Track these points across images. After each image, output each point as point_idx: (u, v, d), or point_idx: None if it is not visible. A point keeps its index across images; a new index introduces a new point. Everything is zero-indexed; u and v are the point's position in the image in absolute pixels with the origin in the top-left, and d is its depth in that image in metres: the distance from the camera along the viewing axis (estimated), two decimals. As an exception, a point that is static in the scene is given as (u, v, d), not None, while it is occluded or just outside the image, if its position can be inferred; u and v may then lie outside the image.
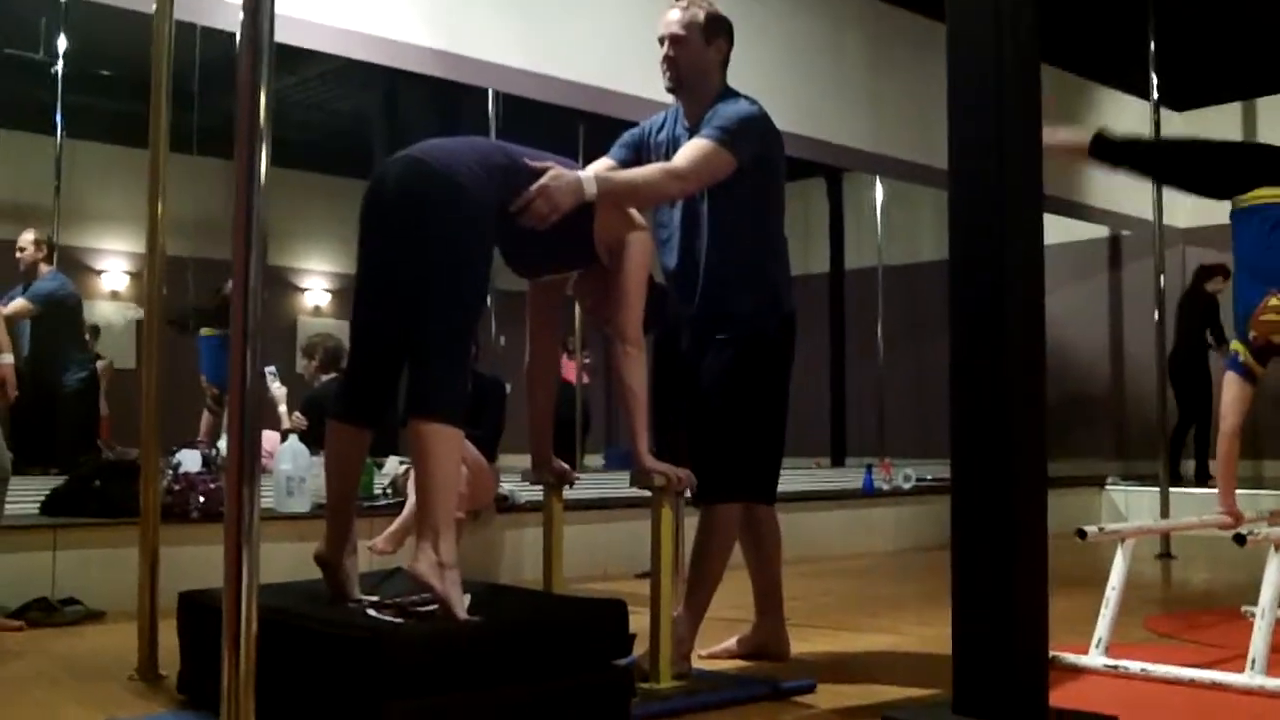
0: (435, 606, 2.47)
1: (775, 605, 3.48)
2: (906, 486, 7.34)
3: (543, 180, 2.74)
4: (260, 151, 1.78)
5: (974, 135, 2.37)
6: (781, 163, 3.34)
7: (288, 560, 3.96)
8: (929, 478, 7.42)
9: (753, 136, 3.16)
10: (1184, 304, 8.61)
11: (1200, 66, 8.83)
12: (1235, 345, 4.38)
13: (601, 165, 3.28)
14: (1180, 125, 9.58)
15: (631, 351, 2.87)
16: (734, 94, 3.26)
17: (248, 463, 1.72)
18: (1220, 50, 8.74)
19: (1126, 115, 8.83)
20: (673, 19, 3.25)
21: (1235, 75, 9.19)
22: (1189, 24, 7.97)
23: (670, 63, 3.26)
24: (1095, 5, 7.66)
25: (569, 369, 8.11)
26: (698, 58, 3.24)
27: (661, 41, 3.27)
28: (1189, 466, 8.91)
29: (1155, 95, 7.25)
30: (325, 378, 6.60)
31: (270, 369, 6.23)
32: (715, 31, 3.27)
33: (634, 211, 2.97)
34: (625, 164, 3.27)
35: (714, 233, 3.23)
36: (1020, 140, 2.36)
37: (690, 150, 3.08)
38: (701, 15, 3.25)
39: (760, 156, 3.18)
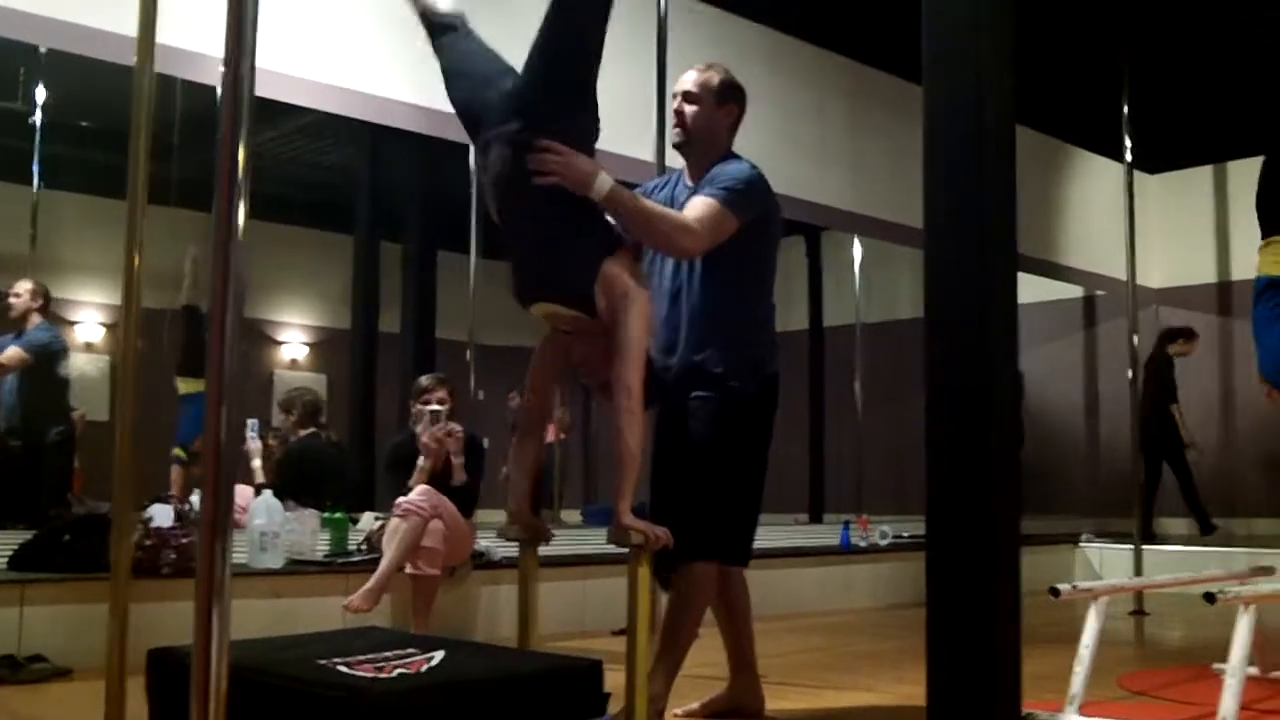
0: (410, 663, 2.44)
1: (749, 662, 3.47)
2: (883, 543, 7.34)
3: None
4: (238, 205, 1.78)
5: (949, 196, 2.40)
6: (778, 227, 3.40)
7: (261, 617, 3.92)
8: (906, 535, 7.42)
9: (755, 199, 3.21)
10: (1147, 365, 8.73)
11: (1173, 130, 8.97)
12: None
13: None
14: (1154, 188, 9.71)
15: (633, 408, 2.83)
16: (736, 157, 3.33)
17: (221, 517, 1.71)
18: (1192, 114, 8.89)
19: (1101, 178, 8.95)
20: (689, 78, 3.37)
21: (1207, 139, 9.34)
22: (1162, 88, 8.11)
23: (681, 119, 3.34)
24: (1070, 69, 7.79)
25: (550, 429, 8.11)
26: (709, 118, 3.33)
27: (675, 97, 3.38)
28: (1170, 524, 8.97)
29: (1129, 158, 7.35)
30: (303, 432, 6.58)
31: (252, 423, 6.20)
32: (728, 96, 3.37)
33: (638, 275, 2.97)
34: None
35: (705, 290, 3.26)
36: (995, 201, 2.39)
37: (700, 208, 3.11)
38: (717, 79, 3.35)
39: (760, 220, 3.23)
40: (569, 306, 2.89)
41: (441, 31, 3.07)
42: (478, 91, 2.96)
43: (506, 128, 2.85)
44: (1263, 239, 4.31)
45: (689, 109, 3.33)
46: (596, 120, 2.93)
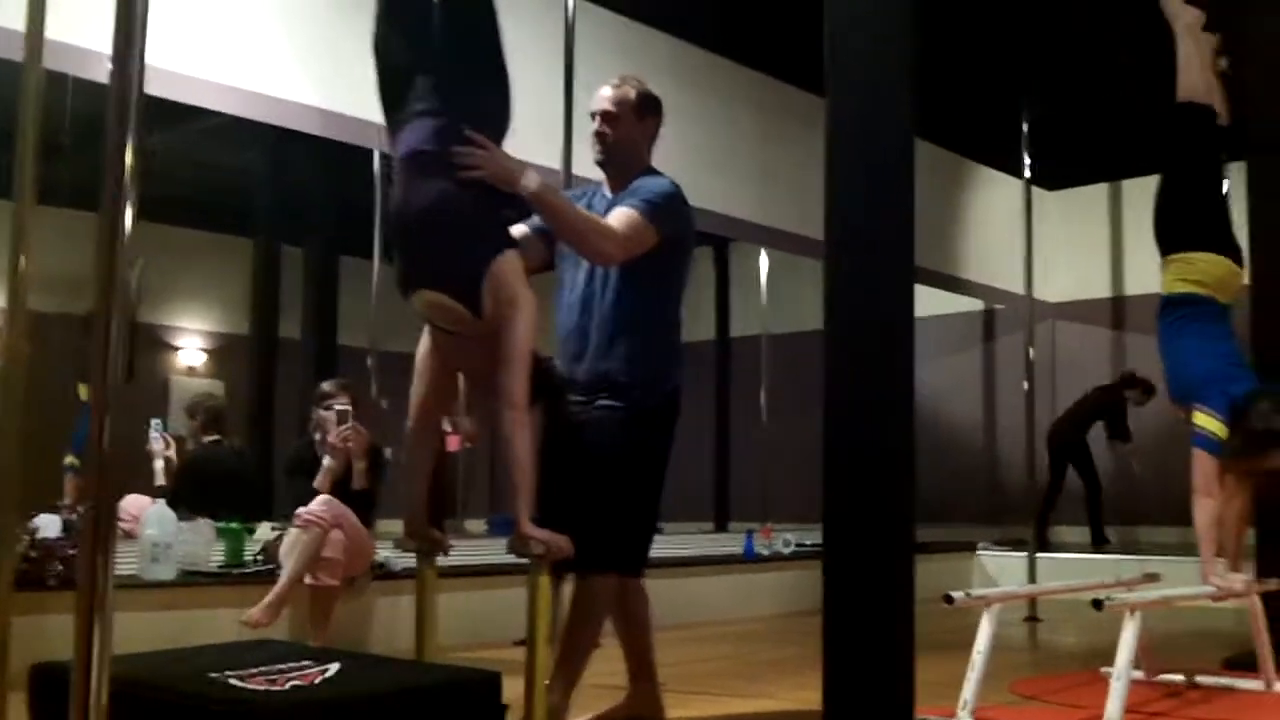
0: (304, 675, 2.40)
1: (649, 672, 3.46)
2: (787, 552, 7.40)
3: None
4: (125, 206, 1.74)
5: (849, 209, 2.43)
6: (692, 243, 3.40)
7: (153, 630, 3.82)
8: (809, 543, 7.49)
9: (675, 214, 3.23)
10: (1095, 392, 9.06)
11: (1071, 147, 9.19)
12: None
13: (518, 231, 3.24)
14: (1052, 204, 9.93)
15: (518, 416, 2.81)
16: (655, 171, 3.33)
17: (103, 526, 1.66)
18: (1090, 132, 9.11)
19: (1000, 193, 9.14)
20: (606, 95, 3.33)
21: (1103, 157, 9.59)
22: (1061, 106, 8.30)
23: (601, 138, 3.32)
24: (971, 84, 7.94)
25: (451, 440, 8.03)
26: (628, 134, 3.32)
27: (594, 116, 3.34)
28: (1066, 532, 9.20)
29: (1028, 174, 7.51)
30: (207, 439, 6.44)
31: (156, 423, 6.04)
32: (646, 110, 3.36)
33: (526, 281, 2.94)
34: (541, 232, 3.25)
35: (616, 300, 3.25)
36: (893, 214, 2.43)
37: (622, 218, 3.12)
38: (633, 93, 3.34)
39: (676, 235, 3.25)
40: (455, 299, 2.82)
41: None
42: (401, 60, 2.93)
43: (427, 104, 2.84)
44: (1161, 257, 4.44)
45: (608, 129, 3.31)
46: (510, 103, 2.92)
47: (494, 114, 2.91)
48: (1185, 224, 4.41)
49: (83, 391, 6.99)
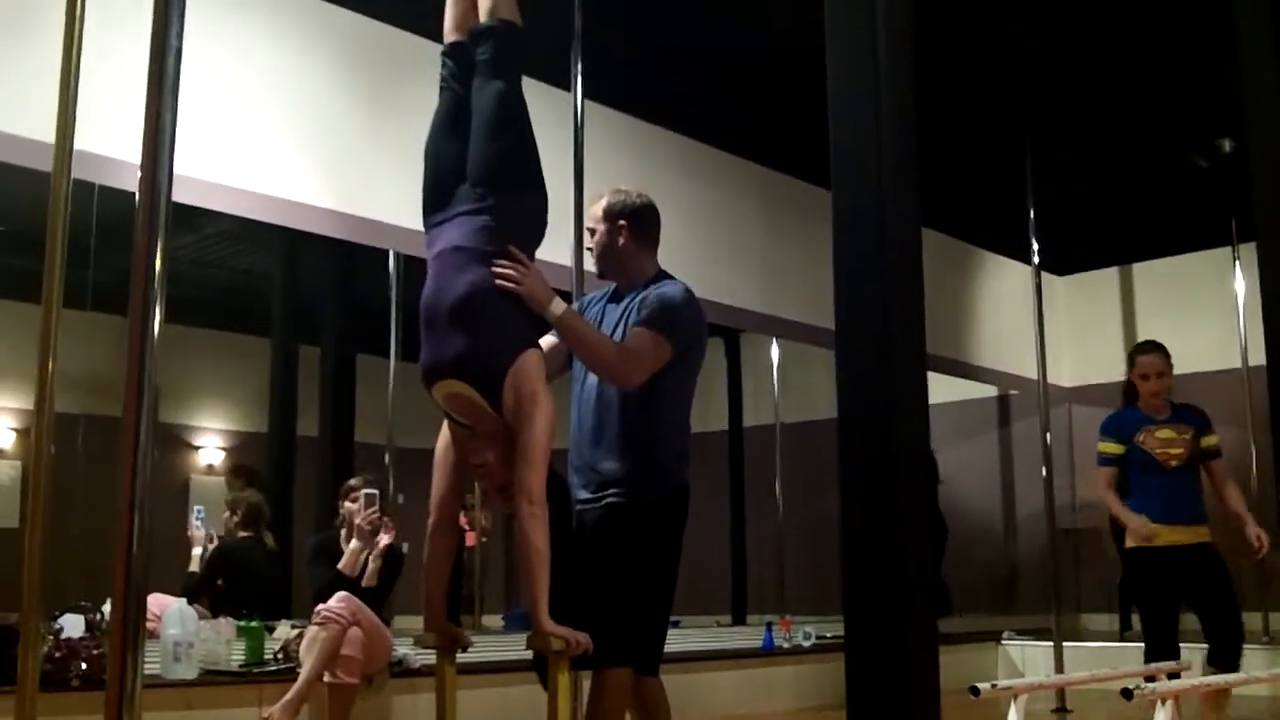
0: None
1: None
2: (806, 644, 7.32)
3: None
4: (154, 310, 1.78)
5: (858, 300, 2.47)
6: (703, 342, 3.44)
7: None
8: (829, 635, 7.42)
9: (688, 324, 3.28)
10: None
11: (1079, 233, 9.26)
12: None
13: (545, 341, 3.23)
14: (1061, 289, 9.99)
15: (536, 512, 2.85)
16: (665, 275, 3.38)
17: (131, 628, 1.68)
18: (1098, 218, 9.19)
19: (1010, 279, 9.20)
20: (597, 212, 3.40)
21: (1112, 242, 9.66)
22: (1067, 192, 8.39)
23: (592, 251, 3.40)
24: (976, 173, 8.04)
25: (468, 536, 8.03)
26: (610, 245, 3.38)
27: (591, 232, 3.41)
28: (1090, 620, 9.07)
29: (1036, 260, 7.56)
30: (242, 534, 6.49)
31: (198, 509, 6.14)
32: (619, 217, 3.38)
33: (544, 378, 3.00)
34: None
35: (625, 398, 3.27)
36: (904, 303, 2.46)
37: (638, 341, 3.17)
38: (604, 204, 3.39)
39: (688, 342, 3.29)
40: (476, 390, 2.89)
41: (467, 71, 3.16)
42: (449, 166, 3.10)
43: (469, 207, 3.00)
44: None
45: (600, 241, 3.38)
46: (545, 211, 3.13)
47: (533, 221, 3.08)
48: None
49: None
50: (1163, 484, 4.92)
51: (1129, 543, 4.96)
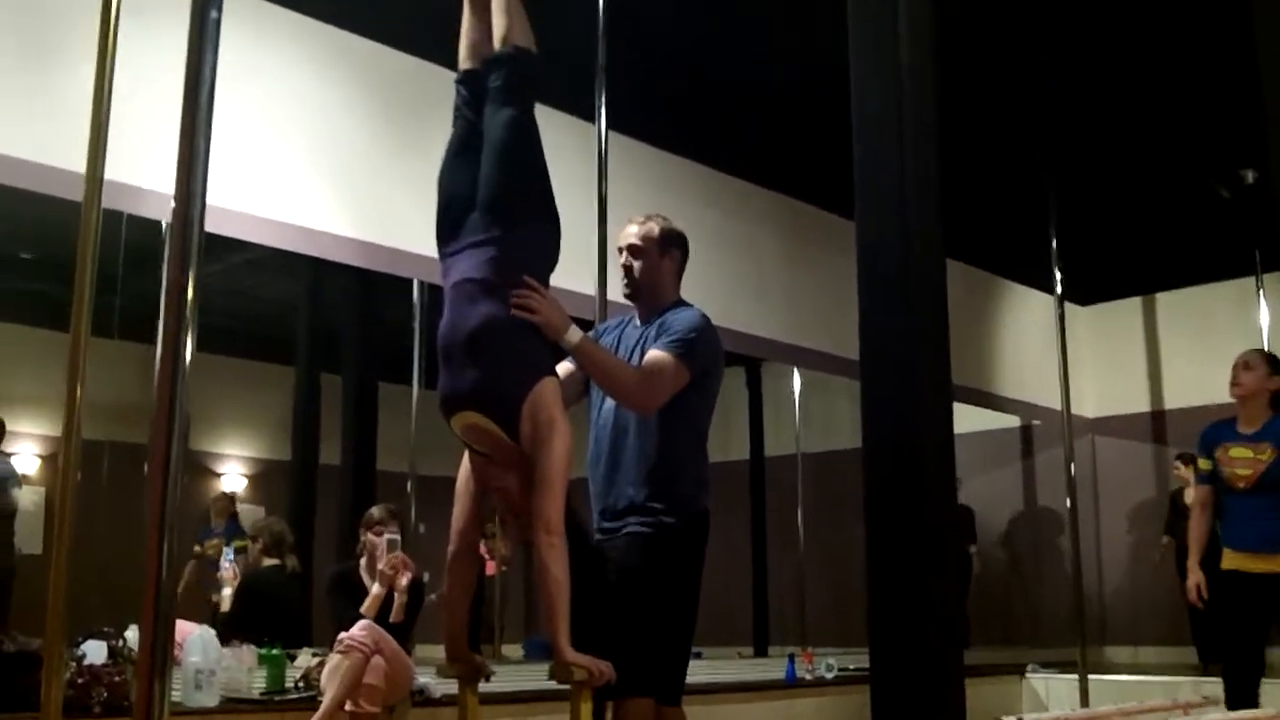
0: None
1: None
2: (829, 676, 7.26)
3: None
4: (186, 339, 1.80)
5: (883, 330, 2.47)
6: (721, 369, 3.45)
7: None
8: (852, 667, 7.37)
9: (705, 349, 3.29)
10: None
11: (1102, 262, 9.24)
12: None
13: (562, 369, 3.27)
14: (1085, 319, 9.95)
15: (555, 541, 2.84)
16: (684, 303, 3.41)
17: (159, 655, 1.69)
18: (1121, 247, 9.17)
19: (1033, 310, 9.17)
20: (631, 232, 3.43)
21: (1135, 272, 9.63)
22: (1090, 221, 8.38)
23: (627, 271, 3.42)
24: (998, 203, 8.03)
25: (489, 564, 8.03)
26: (653, 268, 3.40)
27: (620, 251, 3.44)
28: (1116, 653, 8.97)
29: (1059, 290, 7.54)
30: (268, 562, 6.48)
31: (229, 550, 6.15)
32: (670, 244, 3.44)
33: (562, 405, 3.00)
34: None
35: (644, 425, 3.29)
36: (928, 334, 2.46)
37: (656, 364, 3.19)
38: (657, 230, 3.43)
39: (706, 368, 3.30)
40: (493, 420, 2.89)
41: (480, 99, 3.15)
42: (462, 195, 3.08)
43: (483, 236, 2.98)
44: None
45: (635, 263, 3.40)
46: (558, 240, 3.10)
47: (544, 249, 3.07)
48: None
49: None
50: (1235, 506, 4.63)
51: (1223, 564, 4.62)
